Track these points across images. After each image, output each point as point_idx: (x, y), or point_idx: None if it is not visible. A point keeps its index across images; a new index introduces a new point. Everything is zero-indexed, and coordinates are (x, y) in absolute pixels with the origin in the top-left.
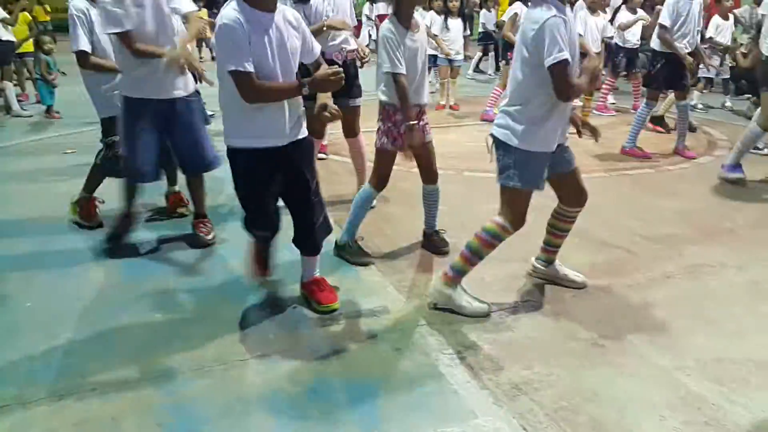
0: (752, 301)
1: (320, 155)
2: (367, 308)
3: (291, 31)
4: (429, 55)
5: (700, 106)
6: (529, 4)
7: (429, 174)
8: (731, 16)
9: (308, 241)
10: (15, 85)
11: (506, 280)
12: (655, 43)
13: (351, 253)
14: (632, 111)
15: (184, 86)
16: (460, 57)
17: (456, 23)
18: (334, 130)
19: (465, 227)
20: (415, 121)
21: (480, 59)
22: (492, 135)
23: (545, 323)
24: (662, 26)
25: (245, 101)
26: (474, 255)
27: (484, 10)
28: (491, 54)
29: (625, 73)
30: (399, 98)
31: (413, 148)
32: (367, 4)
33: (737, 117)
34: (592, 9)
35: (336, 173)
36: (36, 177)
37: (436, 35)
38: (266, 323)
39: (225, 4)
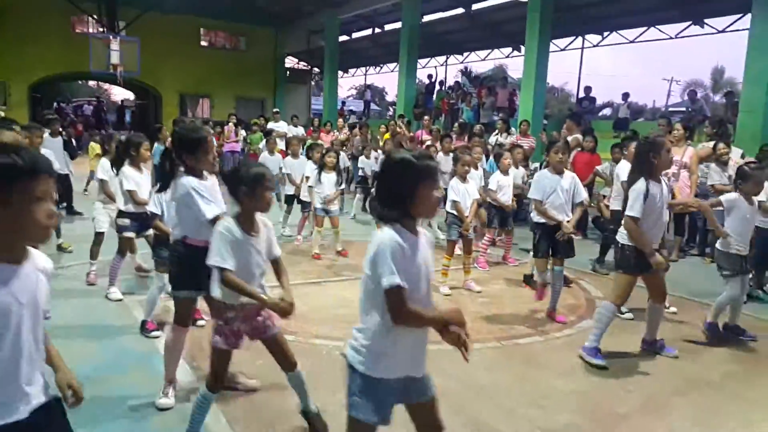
0: None
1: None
2: None
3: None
4: (304, 201)
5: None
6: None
7: (284, 362)
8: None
9: None
10: None
11: None
12: (532, 215)
13: None
14: (503, 261)
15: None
16: (335, 207)
17: (330, 177)
18: None
19: None
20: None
21: (364, 201)
22: (343, 354)
23: None
24: (534, 200)
25: None
26: None
27: (362, 157)
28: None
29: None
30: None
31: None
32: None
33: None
34: (462, 177)
35: None
36: None
37: (311, 186)
38: None
39: None
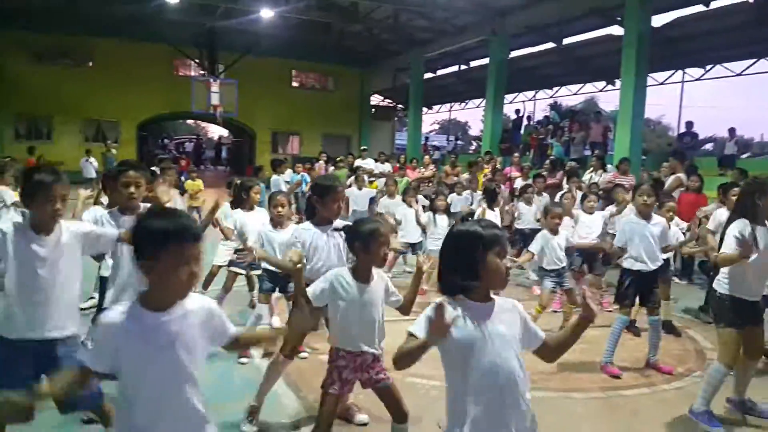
0: None
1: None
2: None
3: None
4: (416, 243)
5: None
6: None
7: (396, 413)
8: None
9: None
10: None
11: None
12: (624, 262)
13: None
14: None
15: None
16: None
17: (443, 219)
18: None
19: None
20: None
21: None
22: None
23: None
24: (619, 247)
25: None
26: None
27: (453, 194)
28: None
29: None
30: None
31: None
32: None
33: None
34: (553, 231)
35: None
36: None
37: (424, 225)
38: None
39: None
